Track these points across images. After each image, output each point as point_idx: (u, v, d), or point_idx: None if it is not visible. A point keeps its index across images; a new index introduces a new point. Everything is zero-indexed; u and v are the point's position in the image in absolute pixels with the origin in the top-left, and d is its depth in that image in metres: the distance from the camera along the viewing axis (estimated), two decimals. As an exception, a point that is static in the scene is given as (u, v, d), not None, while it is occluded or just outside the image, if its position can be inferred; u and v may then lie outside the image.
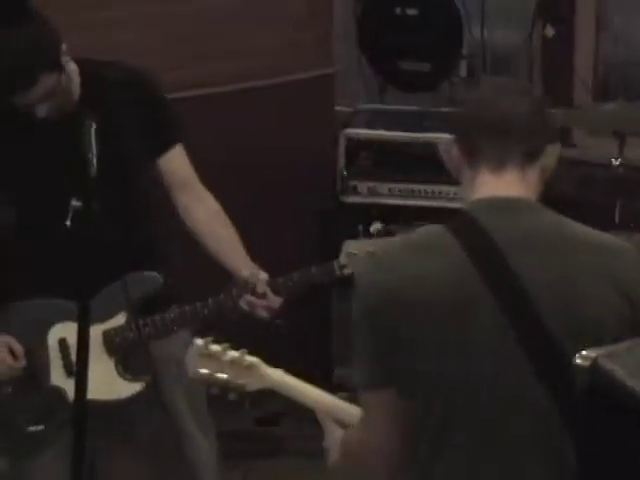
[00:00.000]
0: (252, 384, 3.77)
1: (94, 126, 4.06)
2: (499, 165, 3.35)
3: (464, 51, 6.89)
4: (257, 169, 6.54)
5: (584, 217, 5.83)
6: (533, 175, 3.39)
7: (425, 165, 6.53)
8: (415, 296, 3.19)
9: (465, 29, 6.84)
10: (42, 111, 4.59)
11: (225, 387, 3.78)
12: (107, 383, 4.71)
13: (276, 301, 4.77)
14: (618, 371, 2.19)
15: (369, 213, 6.46)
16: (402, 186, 6.50)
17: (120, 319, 4.72)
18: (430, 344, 3.22)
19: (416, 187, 6.50)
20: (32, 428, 4.56)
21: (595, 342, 2.79)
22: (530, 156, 3.37)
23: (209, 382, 3.78)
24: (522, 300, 3.26)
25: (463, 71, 6.92)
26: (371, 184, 6.52)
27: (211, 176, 5.53)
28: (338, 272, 4.83)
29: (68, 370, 4.56)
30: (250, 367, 3.76)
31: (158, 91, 4.98)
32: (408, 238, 3.38)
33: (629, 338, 2.86)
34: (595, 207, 5.99)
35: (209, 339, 3.76)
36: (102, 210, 4.34)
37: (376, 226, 4.94)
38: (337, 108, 7.07)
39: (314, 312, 6.72)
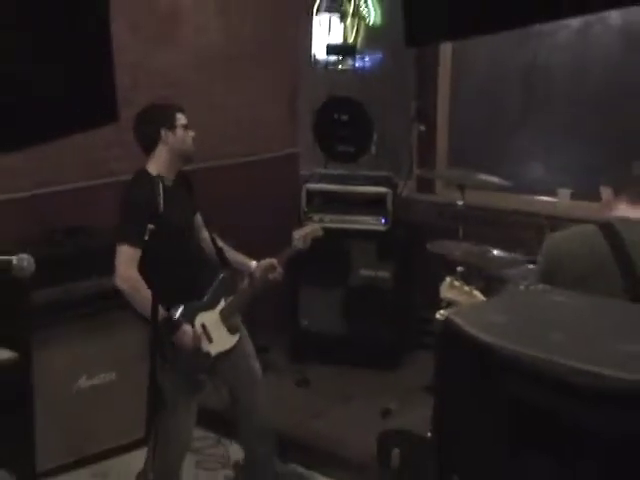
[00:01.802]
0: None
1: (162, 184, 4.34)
2: (633, 202, 3.63)
3: (374, 138, 6.74)
4: (252, 212, 6.45)
5: (442, 236, 5.84)
6: None
7: (352, 205, 6.50)
8: (573, 263, 3.51)
9: (374, 126, 6.73)
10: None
11: (459, 303, 3.95)
12: (224, 340, 4.67)
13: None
14: (461, 321, 2.15)
15: None
16: (338, 217, 6.43)
17: (223, 303, 4.68)
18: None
19: (346, 217, 6.45)
20: (201, 376, 4.62)
21: None
22: None
23: (452, 300, 4.03)
24: (635, 274, 3.41)
25: (373, 150, 6.77)
26: (321, 215, 6.41)
27: (227, 217, 5.72)
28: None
29: (209, 340, 4.56)
30: (472, 294, 3.91)
31: None
32: (573, 230, 3.69)
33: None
34: (448, 229, 5.93)
35: (453, 277, 4.10)
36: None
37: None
38: (301, 172, 7.02)
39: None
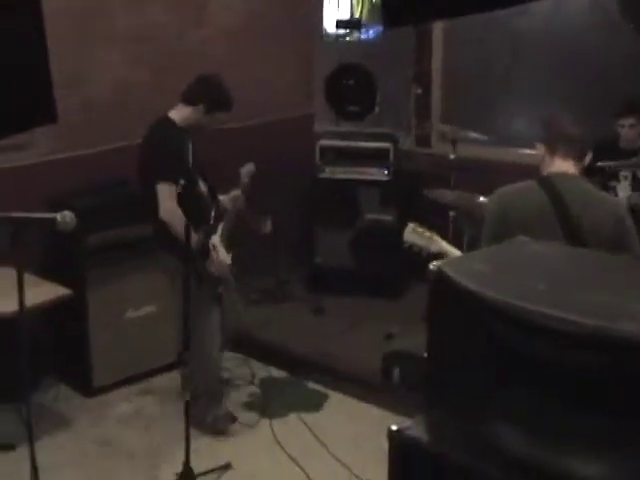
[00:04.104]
0: (432, 248, 3.75)
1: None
2: (565, 157, 3.60)
3: (377, 99, 6.61)
4: (274, 163, 6.22)
5: (437, 184, 5.80)
6: (581, 165, 3.64)
7: (359, 158, 6.44)
8: (518, 213, 3.50)
9: (377, 89, 6.61)
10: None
11: (420, 247, 3.81)
12: (226, 258, 4.62)
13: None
14: (451, 272, 2.08)
15: (329, 182, 6.48)
16: (347, 169, 6.42)
17: (220, 228, 4.61)
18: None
19: (354, 169, 6.41)
20: (220, 288, 4.64)
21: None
22: (580, 157, 3.63)
23: (413, 245, 3.84)
24: (572, 225, 3.42)
25: (377, 110, 6.61)
26: (332, 168, 6.44)
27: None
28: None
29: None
30: (433, 239, 3.78)
31: None
32: (518, 185, 3.62)
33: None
34: (440, 176, 5.92)
35: (416, 224, 3.87)
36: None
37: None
38: (315, 130, 6.94)
39: (300, 217, 6.80)
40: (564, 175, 3.60)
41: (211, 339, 4.75)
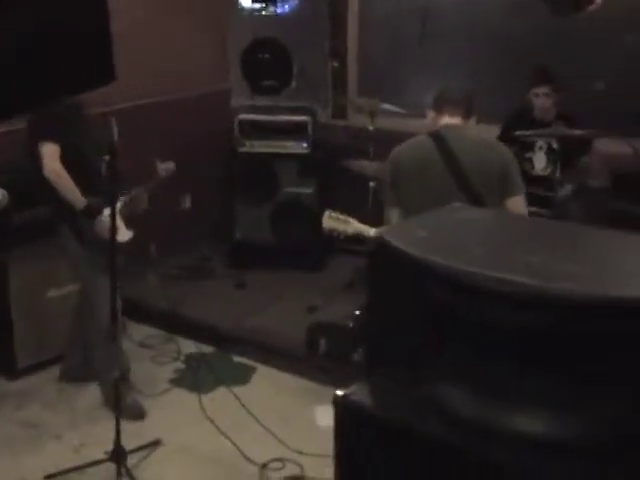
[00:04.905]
0: (349, 230, 4.03)
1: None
2: (452, 115, 3.94)
3: (294, 73, 6.56)
4: (191, 139, 6.44)
5: (356, 156, 5.86)
6: (467, 122, 3.96)
7: (278, 131, 6.43)
8: (408, 164, 3.91)
9: (294, 63, 6.58)
10: None
11: (337, 232, 4.07)
12: (125, 232, 4.59)
13: None
14: (391, 239, 2.09)
15: (249, 156, 6.44)
16: (266, 142, 6.40)
17: (120, 203, 4.41)
18: (411, 184, 3.86)
19: (273, 143, 6.41)
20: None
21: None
22: (466, 115, 3.96)
23: (332, 230, 4.09)
24: (459, 167, 3.78)
25: (294, 84, 6.60)
26: (250, 142, 6.42)
27: (169, 143, 5.68)
28: None
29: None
30: (349, 222, 4.05)
31: None
32: (410, 140, 4.01)
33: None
34: (359, 148, 5.99)
35: (331, 211, 4.12)
36: None
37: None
38: (232, 105, 6.90)
39: (220, 192, 6.75)
40: (452, 127, 3.94)
41: (102, 306, 4.49)
